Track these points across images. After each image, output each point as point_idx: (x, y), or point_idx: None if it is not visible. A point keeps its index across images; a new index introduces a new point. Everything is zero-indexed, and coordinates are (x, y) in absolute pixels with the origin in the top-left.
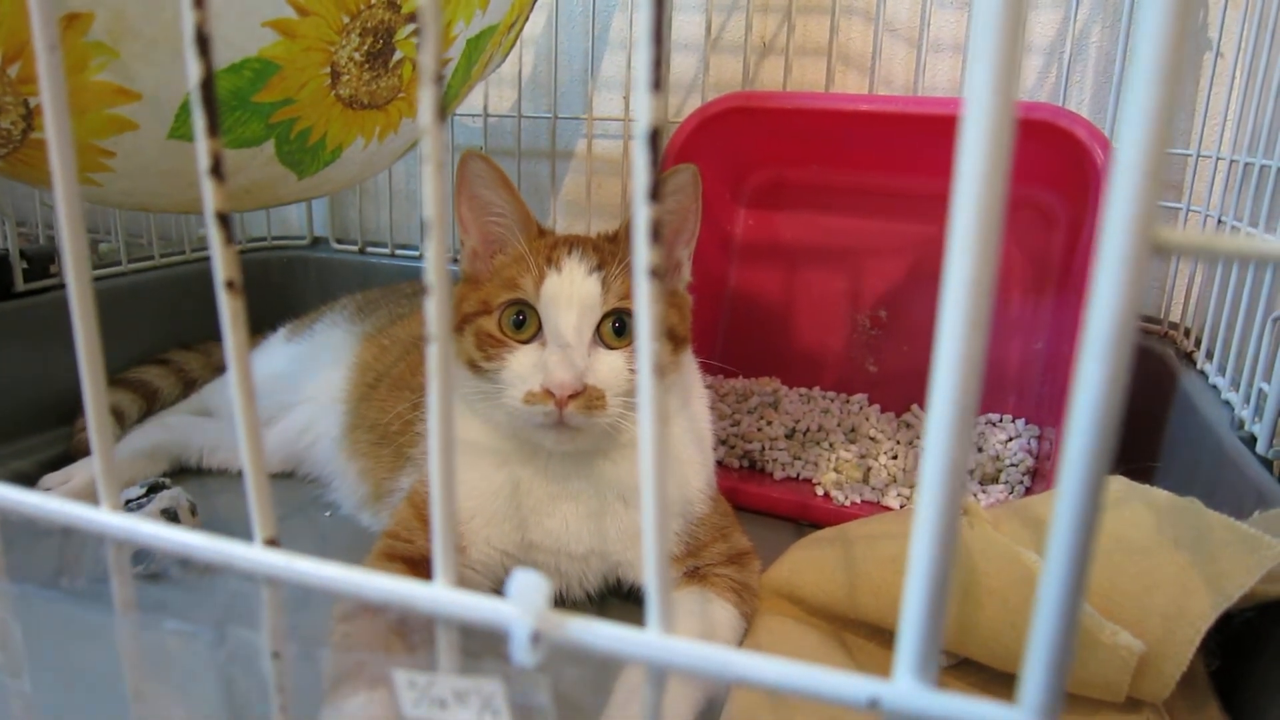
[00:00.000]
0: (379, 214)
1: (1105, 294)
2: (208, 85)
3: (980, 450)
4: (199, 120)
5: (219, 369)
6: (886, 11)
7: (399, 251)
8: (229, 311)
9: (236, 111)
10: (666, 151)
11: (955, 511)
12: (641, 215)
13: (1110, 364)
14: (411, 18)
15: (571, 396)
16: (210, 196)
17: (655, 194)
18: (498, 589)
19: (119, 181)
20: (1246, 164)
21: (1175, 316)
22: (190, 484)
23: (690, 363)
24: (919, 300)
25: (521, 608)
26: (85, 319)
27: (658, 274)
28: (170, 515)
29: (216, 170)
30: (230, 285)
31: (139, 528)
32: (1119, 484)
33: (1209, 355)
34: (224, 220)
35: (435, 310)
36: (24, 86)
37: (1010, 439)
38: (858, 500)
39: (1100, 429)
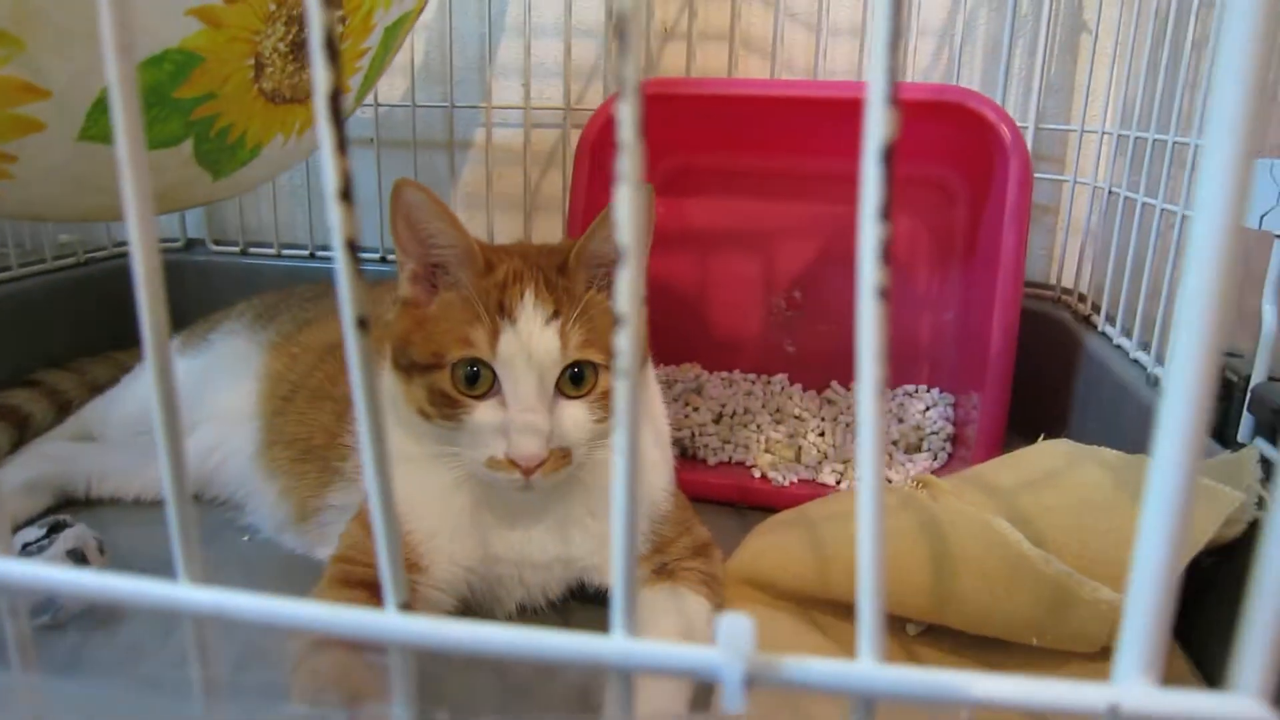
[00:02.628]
0: (261, 211)
1: (1211, 211)
2: (335, 99)
3: (901, 421)
4: (327, 135)
5: (96, 387)
6: None
7: (286, 251)
8: (358, 350)
9: (155, 108)
10: (580, 142)
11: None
12: (871, 237)
13: (1220, 259)
14: (337, 3)
15: (538, 464)
16: (339, 223)
17: (887, 213)
18: (462, 607)
19: (18, 190)
20: (1125, 136)
21: (1067, 283)
22: (81, 517)
23: (647, 364)
24: (832, 280)
25: (731, 652)
26: None
27: (885, 295)
28: (77, 556)
29: (347, 194)
30: (362, 324)
31: (47, 574)
32: (1065, 446)
33: (1109, 319)
34: (353, 250)
35: (628, 344)
36: None
37: (928, 408)
38: (795, 480)
39: (1206, 351)
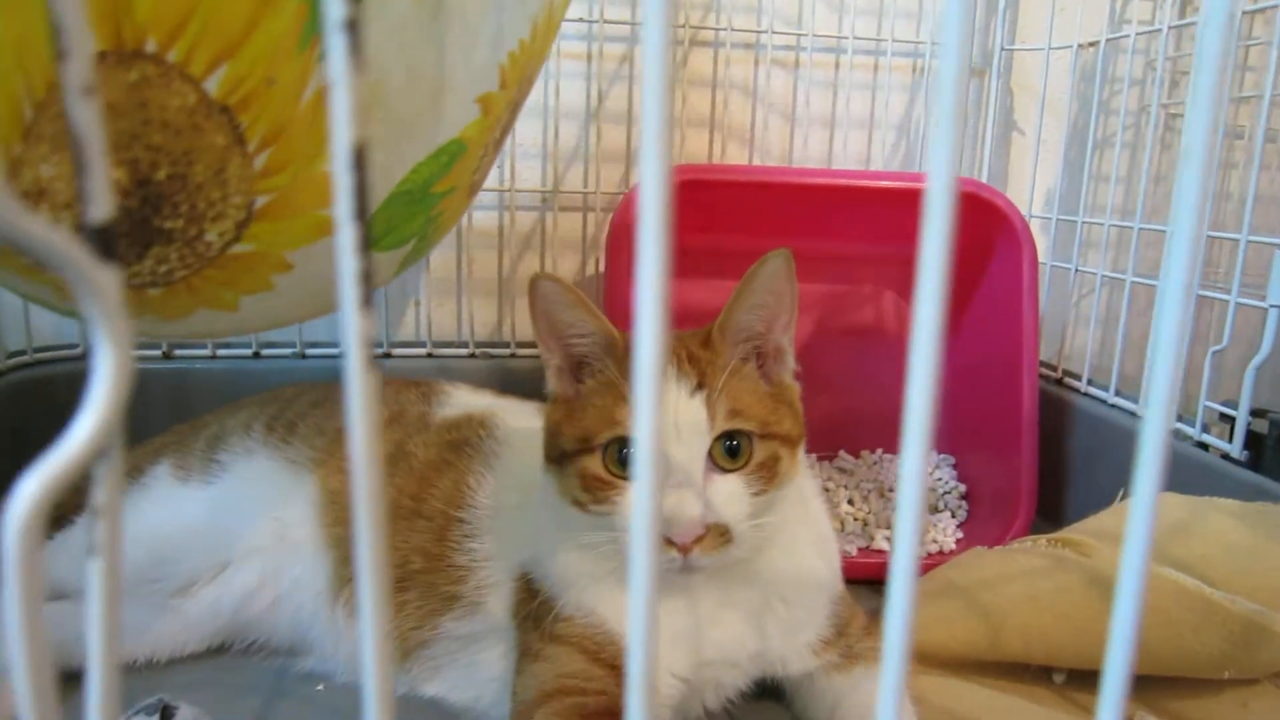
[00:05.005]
0: None
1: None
2: None
3: None
4: (648, 324)
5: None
6: (769, 90)
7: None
8: None
9: (413, 205)
10: (613, 226)
11: None
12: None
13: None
14: None
15: (695, 540)
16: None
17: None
18: None
19: (267, 301)
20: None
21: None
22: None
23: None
24: (829, 353)
25: None
26: None
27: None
28: None
29: None
30: None
31: None
32: (1179, 498)
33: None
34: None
35: None
36: (264, 181)
37: (933, 469)
38: (862, 548)
39: None
